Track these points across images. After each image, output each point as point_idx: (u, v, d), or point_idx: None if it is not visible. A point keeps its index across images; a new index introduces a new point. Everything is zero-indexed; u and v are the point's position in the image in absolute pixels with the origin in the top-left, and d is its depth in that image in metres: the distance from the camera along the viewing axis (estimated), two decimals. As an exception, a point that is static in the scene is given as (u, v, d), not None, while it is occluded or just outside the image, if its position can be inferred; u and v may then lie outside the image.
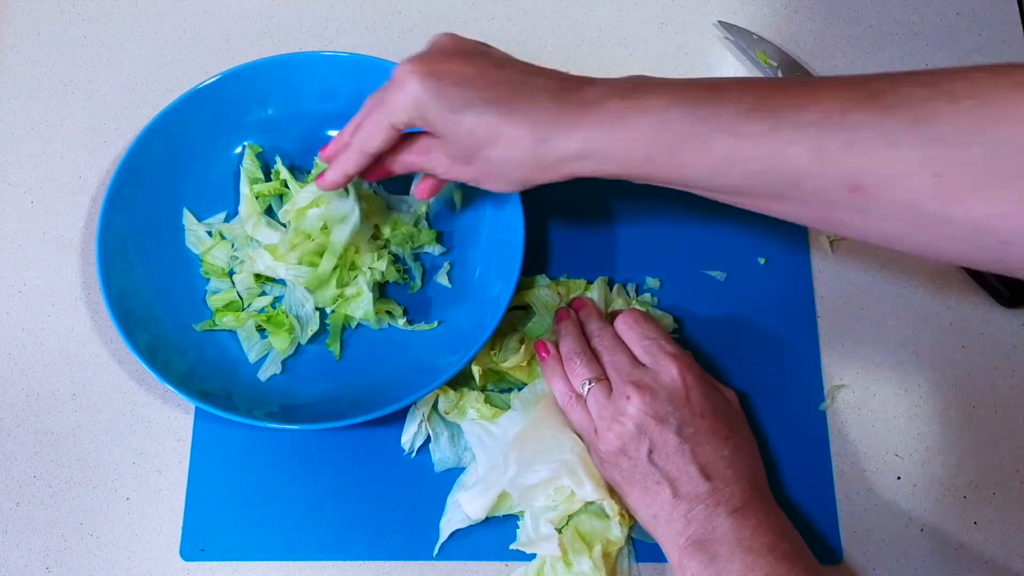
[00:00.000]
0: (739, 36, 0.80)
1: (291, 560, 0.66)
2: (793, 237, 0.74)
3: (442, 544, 0.66)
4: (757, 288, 0.73)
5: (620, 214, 0.75)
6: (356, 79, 0.75)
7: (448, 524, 0.66)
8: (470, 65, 0.56)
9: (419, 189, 0.66)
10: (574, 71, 0.80)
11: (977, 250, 0.48)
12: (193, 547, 0.66)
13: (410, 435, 0.68)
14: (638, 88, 0.55)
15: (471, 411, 0.67)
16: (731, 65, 0.81)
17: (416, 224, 0.73)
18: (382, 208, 0.73)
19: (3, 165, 0.78)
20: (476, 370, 0.68)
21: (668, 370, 0.62)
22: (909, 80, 0.49)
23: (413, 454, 0.68)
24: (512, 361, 0.67)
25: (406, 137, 0.61)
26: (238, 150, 0.75)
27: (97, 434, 0.69)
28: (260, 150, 0.75)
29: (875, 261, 0.74)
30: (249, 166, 0.74)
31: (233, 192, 0.75)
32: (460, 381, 0.69)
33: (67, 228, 0.75)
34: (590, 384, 0.64)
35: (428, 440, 0.68)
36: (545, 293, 0.71)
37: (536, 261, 0.73)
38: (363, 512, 0.67)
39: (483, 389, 0.69)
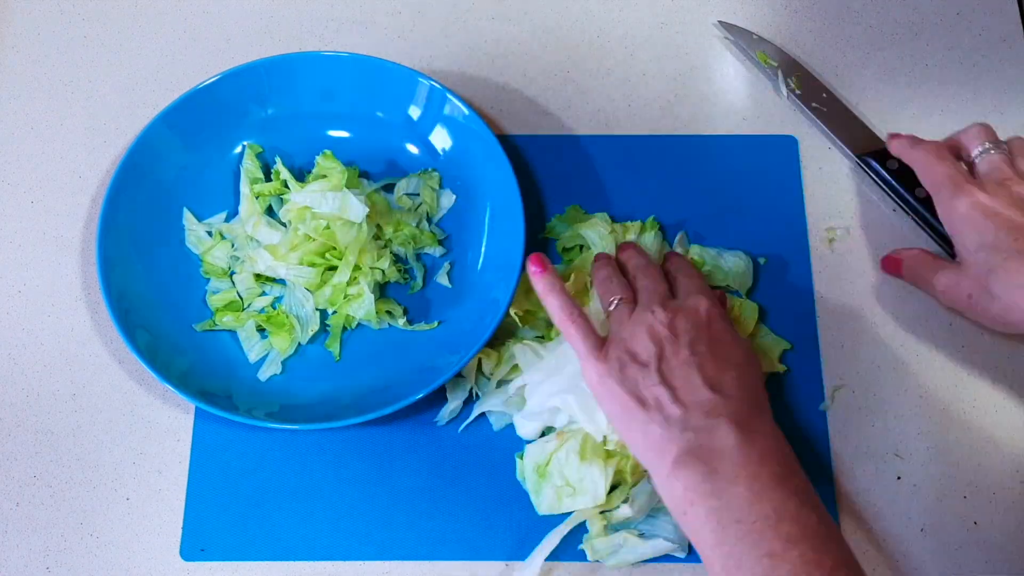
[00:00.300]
0: (739, 36, 0.80)
1: (291, 560, 0.66)
2: (793, 237, 0.74)
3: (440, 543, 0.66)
4: (757, 288, 0.73)
5: (619, 215, 0.75)
6: (356, 79, 0.75)
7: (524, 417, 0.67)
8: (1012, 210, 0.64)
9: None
10: (574, 71, 0.81)
11: None
12: (193, 547, 0.66)
13: (454, 407, 0.68)
14: None
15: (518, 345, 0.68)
16: (731, 65, 0.81)
17: (418, 225, 0.73)
18: (385, 209, 0.73)
19: (3, 165, 0.77)
20: (515, 312, 0.68)
21: (697, 300, 0.62)
22: None
23: (442, 423, 0.69)
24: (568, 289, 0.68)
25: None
26: (238, 150, 0.75)
27: (97, 434, 0.69)
28: (260, 150, 0.75)
29: (875, 262, 0.74)
30: (249, 166, 0.74)
31: (233, 192, 0.75)
32: (497, 338, 0.69)
33: (67, 228, 0.75)
34: (618, 302, 0.64)
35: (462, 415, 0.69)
36: (600, 230, 0.71)
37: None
38: (363, 512, 0.67)
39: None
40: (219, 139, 0.74)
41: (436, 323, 0.71)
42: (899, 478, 0.68)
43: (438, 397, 0.69)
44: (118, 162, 0.71)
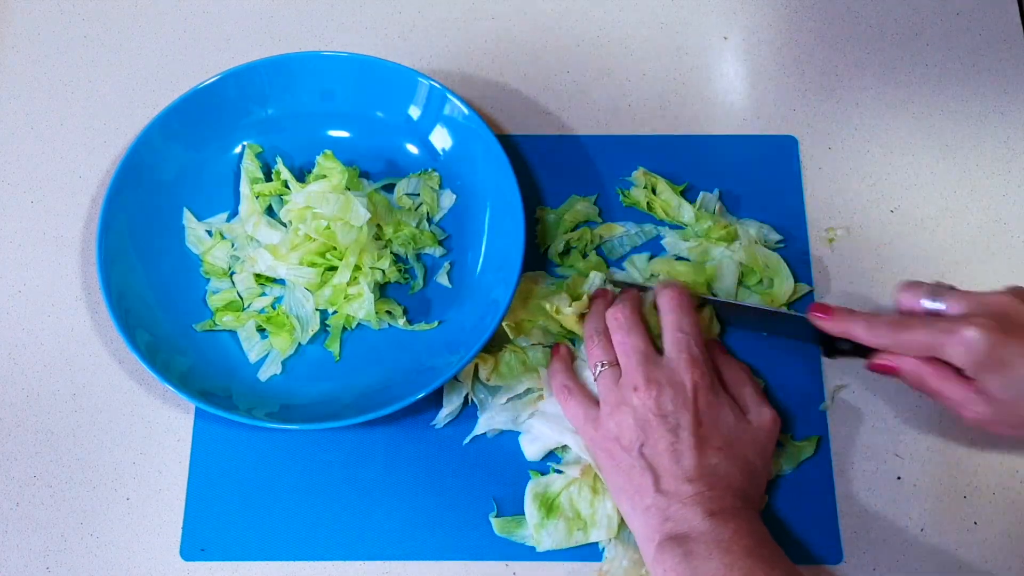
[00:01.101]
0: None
1: (291, 560, 0.66)
2: (793, 237, 0.74)
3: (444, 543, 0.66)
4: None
5: (619, 214, 0.75)
6: (356, 79, 0.75)
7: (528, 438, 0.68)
8: None
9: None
10: (574, 71, 0.81)
11: None
12: (193, 547, 0.66)
13: (449, 411, 0.68)
14: None
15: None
16: (731, 65, 0.81)
17: (418, 225, 0.73)
18: (385, 209, 0.73)
19: (3, 165, 0.78)
20: (507, 325, 0.69)
21: (683, 372, 0.62)
22: None
23: (439, 426, 0.69)
24: (574, 309, 0.68)
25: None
26: (238, 150, 0.75)
27: (97, 434, 0.69)
28: (260, 150, 0.75)
29: (874, 261, 0.74)
30: (249, 166, 0.74)
31: (233, 192, 0.75)
32: (493, 343, 0.69)
33: (67, 228, 0.75)
34: (603, 367, 0.64)
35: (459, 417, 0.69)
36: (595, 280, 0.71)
37: (536, 258, 0.73)
38: (363, 512, 0.67)
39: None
40: (219, 139, 0.74)
41: (436, 323, 0.71)
42: (899, 478, 0.68)
43: (438, 397, 0.69)
44: (118, 162, 0.71)
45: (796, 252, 0.74)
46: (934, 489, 0.67)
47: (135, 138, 0.72)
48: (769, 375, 0.70)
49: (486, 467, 0.68)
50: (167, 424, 0.69)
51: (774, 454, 0.66)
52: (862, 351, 0.64)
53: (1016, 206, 0.75)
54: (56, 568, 0.66)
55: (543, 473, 0.67)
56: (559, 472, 0.66)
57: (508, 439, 0.68)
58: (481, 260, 0.73)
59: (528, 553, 0.65)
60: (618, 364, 0.64)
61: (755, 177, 0.76)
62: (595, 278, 0.69)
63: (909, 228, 0.75)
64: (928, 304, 0.62)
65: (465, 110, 0.73)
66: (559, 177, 0.76)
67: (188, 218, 0.73)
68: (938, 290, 0.62)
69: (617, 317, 0.65)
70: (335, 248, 0.70)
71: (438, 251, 0.73)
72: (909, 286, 0.63)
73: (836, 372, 0.70)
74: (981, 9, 0.82)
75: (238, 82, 0.74)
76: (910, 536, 0.66)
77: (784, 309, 0.71)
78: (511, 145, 0.77)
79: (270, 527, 0.67)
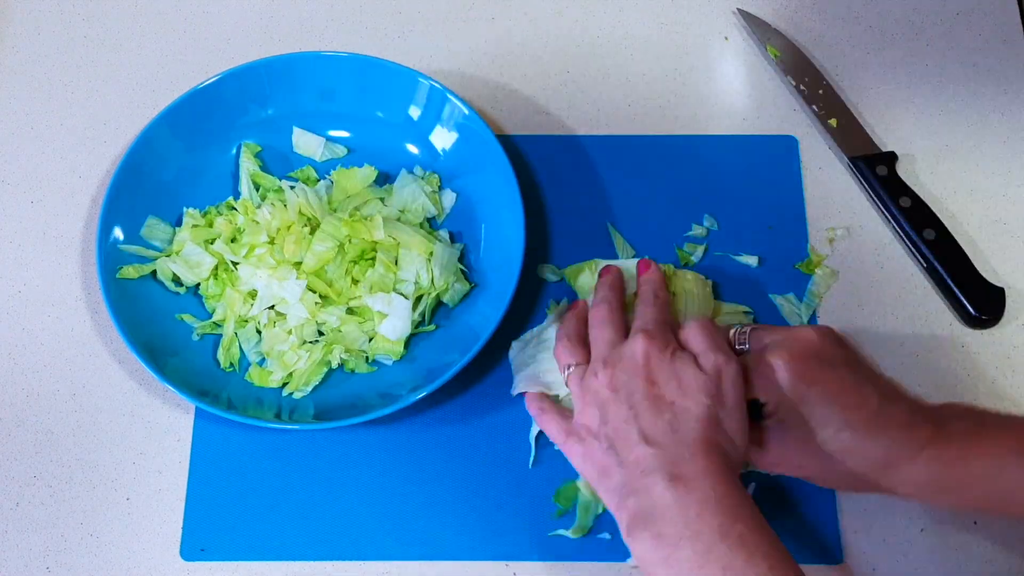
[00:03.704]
0: (754, 26, 0.80)
1: (291, 560, 0.66)
2: (793, 237, 0.74)
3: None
4: (757, 289, 0.73)
5: (619, 214, 0.75)
6: (356, 79, 0.75)
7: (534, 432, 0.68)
8: (836, 382, 0.59)
9: None
10: (574, 71, 0.81)
11: None
12: (193, 547, 0.66)
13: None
14: (981, 432, 0.59)
15: None
16: (731, 65, 0.81)
17: (420, 225, 0.73)
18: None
19: (3, 165, 0.78)
20: None
21: (633, 343, 0.60)
22: None
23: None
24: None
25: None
26: (236, 150, 0.75)
27: (97, 434, 0.69)
28: (258, 149, 0.75)
29: (874, 261, 0.74)
30: (249, 166, 0.74)
31: (233, 192, 0.75)
32: None
33: (67, 228, 0.75)
34: (570, 369, 0.64)
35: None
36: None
37: (537, 257, 0.73)
38: (363, 512, 0.67)
39: None
40: (219, 139, 0.74)
41: (434, 326, 0.71)
42: (899, 478, 0.68)
43: (439, 397, 0.69)
44: (118, 162, 0.71)
45: (796, 252, 0.74)
46: (934, 489, 0.67)
47: (135, 138, 0.72)
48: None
49: (487, 468, 0.68)
50: (167, 424, 0.69)
51: None
52: None
53: (1016, 206, 0.75)
54: (56, 568, 0.66)
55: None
56: None
57: (508, 440, 0.68)
58: (481, 259, 0.72)
59: (528, 553, 0.65)
60: (585, 363, 0.64)
61: (755, 177, 0.76)
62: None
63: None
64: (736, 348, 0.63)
65: (465, 110, 0.73)
66: (559, 177, 0.76)
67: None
68: (742, 332, 0.64)
69: (594, 315, 0.65)
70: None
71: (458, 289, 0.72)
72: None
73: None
74: (981, 9, 0.82)
75: (238, 82, 0.74)
76: (910, 536, 0.66)
77: None
78: (511, 145, 0.77)
79: (270, 527, 0.66)
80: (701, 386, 0.58)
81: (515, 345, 0.70)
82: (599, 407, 0.60)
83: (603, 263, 0.71)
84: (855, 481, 0.60)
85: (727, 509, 0.54)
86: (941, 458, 0.58)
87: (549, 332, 0.69)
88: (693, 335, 0.61)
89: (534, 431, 0.68)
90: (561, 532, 0.65)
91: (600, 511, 0.66)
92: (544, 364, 0.68)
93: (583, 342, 0.65)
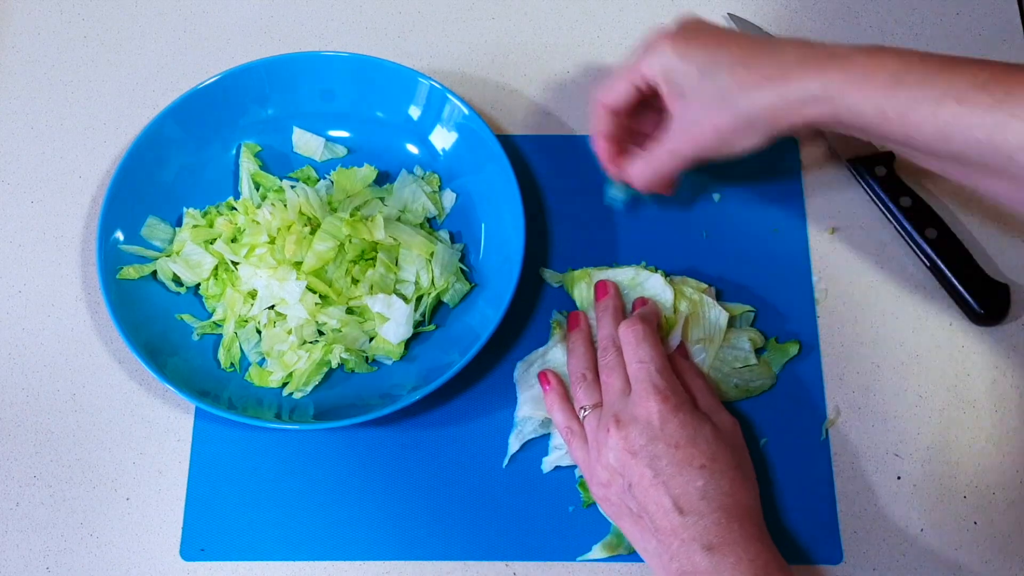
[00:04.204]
0: (748, 31, 0.80)
1: (291, 560, 0.66)
2: (793, 237, 0.74)
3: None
4: (757, 290, 0.73)
5: (619, 214, 0.75)
6: (356, 79, 0.75)
7: (517, 438, 0.68)
8: (715, 37, 0.63)
9: (637, 173, 0.68)
10: (574, 71, 0.81)
11: None
12: (193, 547, 0.66)
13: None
14: (882, 51, 0.58)
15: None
16: (731, 65, 0.81)
17: (421, 225, 0.73)
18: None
19: (3, 165, 0.78)
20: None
21: (644, 402, 0.61)
22: None
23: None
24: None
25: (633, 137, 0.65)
26: (236, 150, 0.75)
27: (97, 434, 0.69)
28: (258, 149, 0.75)
29: (875, 260, 0.74)
30: (250, 165, 0.74)
31: (233, 192, 0.75)
32: None
33: (67, 228, 0.75)
34: (586, 411, 0.64)
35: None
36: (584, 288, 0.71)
37: (536, 257, 0.73)
38: (363, 512, 0.67)
39: None
40: (219, 139, 0.75)
41: (434, 326, 0.71)
42: (899, 478, 0.68)
43: (439, 397, 0.69)
44: (118, 162, 0.71)
45: (796, 253, 0.74)
46: (934, 489, 0.67)
47: (135, 138, 0.72)
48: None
49: (486, 468, 0.68)
50: (167, 424, 0.69)
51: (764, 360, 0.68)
52: None
53: (1016, 206, 0.75)
54: (56, 568, 0.66)
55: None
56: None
57: (508, 440, 0.68)
58: (481, 259, 0.73)
59: (528, 553, 0.65)
60: (600, 405, 0.64)
61: (755, 177, 0.76)
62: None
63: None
64: None
65: (465, 110, 0.73)
66: (559, 177, 0.76)
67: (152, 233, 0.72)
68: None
69: (603, 360, 0.65)
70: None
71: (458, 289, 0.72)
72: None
73: (836, 372, 0.70)
74: (981, 9, 0.82)
75: (238, 82, 0.74)
76: (910, 536, 0.66)
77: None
78: (511, 145, 0.77)
79: (270, 527, 0.67)
80: (727, 448, 0.61)
81: (519, 366, 0.70)
82: (620, 468, 0.60)
83: (598, 275, 0.71)
84: (764, 113, 0.60)
85: (759, 566, 0.57)
86: (843, 70, 0.58)
87: (553, 353, 0.69)
88: (698, 392, 0.64)
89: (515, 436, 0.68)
90: (591, 557, 0.66)
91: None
92: None
93: (599, 380, 0.65)
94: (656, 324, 0.67)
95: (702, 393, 0.65)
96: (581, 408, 0.65)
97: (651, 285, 0.70)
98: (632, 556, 0.65)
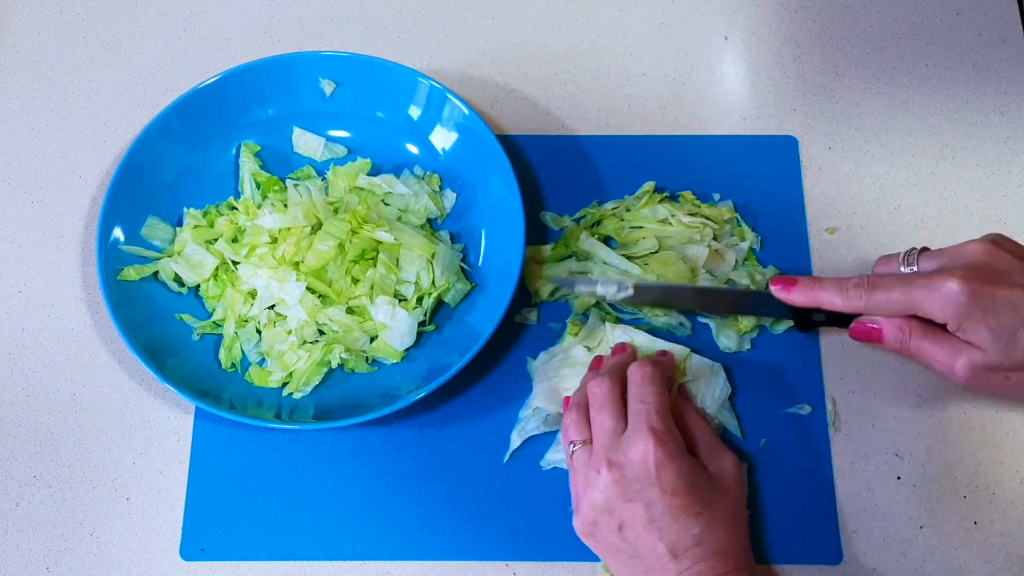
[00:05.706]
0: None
1: (291, 560, 0.66)
2: (793, 237, 0.74)
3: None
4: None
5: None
6: (356, 79, 0.75)
7: (519, 434, 0.68)
8: (1019, 290, 0.58)
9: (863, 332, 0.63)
10: (574, 71, 0.81)
11: None
12: (193, 547, 0.66)
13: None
14: None
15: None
16: (731, 65, 0.81)
17: (422, 226, 0.73)
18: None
19: (3, 165, 0.78)
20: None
21: (639, 447, 0.59)
22: None
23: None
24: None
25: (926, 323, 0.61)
26: (236, 150, 0.75)
27: (97, 434, 0.69)
28: (258, 149, 0.75)
29: (874, 261, 0.74)
30: (250, 165, 0.74)
31: (233, 192, 0.75)
32: None
33: (67, 228, 0.75)
34: (575, 446, 0.63)
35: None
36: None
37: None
38: (363, 512, 0.67)
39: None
40: (219, 139, 0.74)
41: (433, 326, 0.71)
42: (899, 478, 0.68)
43: (439, 397, 0.69)
44: (118, 162, 0.71)
45: (796, 252, 0.74)
46: (934, 489, 0.67)
47: (135, 138, 0.72)
48: (769, 376, 0.70)
49: (487, 468, 0.68)
50: (167, 424, 0.69)
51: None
52: (838, 320, 0.64)
53: (1016, 206, 0.75)
54: (56, 568, 0.66)
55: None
56: None
57: (508, 440, 0.68)
58: (481, 259, 0.73)
59: (528, 553, 0.65)
60: (591, 441, 0.63)
61: (755, 177, 0.76)
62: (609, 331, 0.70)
63: (909, 228, 0.75)
64: (903, 269, 0.62)
65: (465, 110, 0.73)
66: (559, 177, 0.76)
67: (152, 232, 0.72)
68: (911, 254, 0.62)
69: (594, 391, 0.63)
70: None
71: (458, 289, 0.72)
72: (883, 258, 0.64)
73: (836, 372, 0.70)
74: (981, 9, 0.82)
75: (238, 82, 0.74)
76: (910, 536, 0.66)
77: (751, 287, 0.71)
78: (511, 145, 0.77)
79: (270, 527, 0.67)
80: (722, 495, 0.61)
81: (541, 356, 0.70)
82: (608, 510, 0.60)
83: (614, 333, 0.70)
84: None
85: None
86: None
87: (576, 351, 0.69)
88: (698, 432, 0.64)
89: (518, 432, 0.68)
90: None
91: None
92: (567, 381, 0.68)
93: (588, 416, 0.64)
94: (668, 373, 0.66)
95: (703, 435, 0.64)
96: (571, 443, 0.63)
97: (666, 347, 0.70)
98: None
